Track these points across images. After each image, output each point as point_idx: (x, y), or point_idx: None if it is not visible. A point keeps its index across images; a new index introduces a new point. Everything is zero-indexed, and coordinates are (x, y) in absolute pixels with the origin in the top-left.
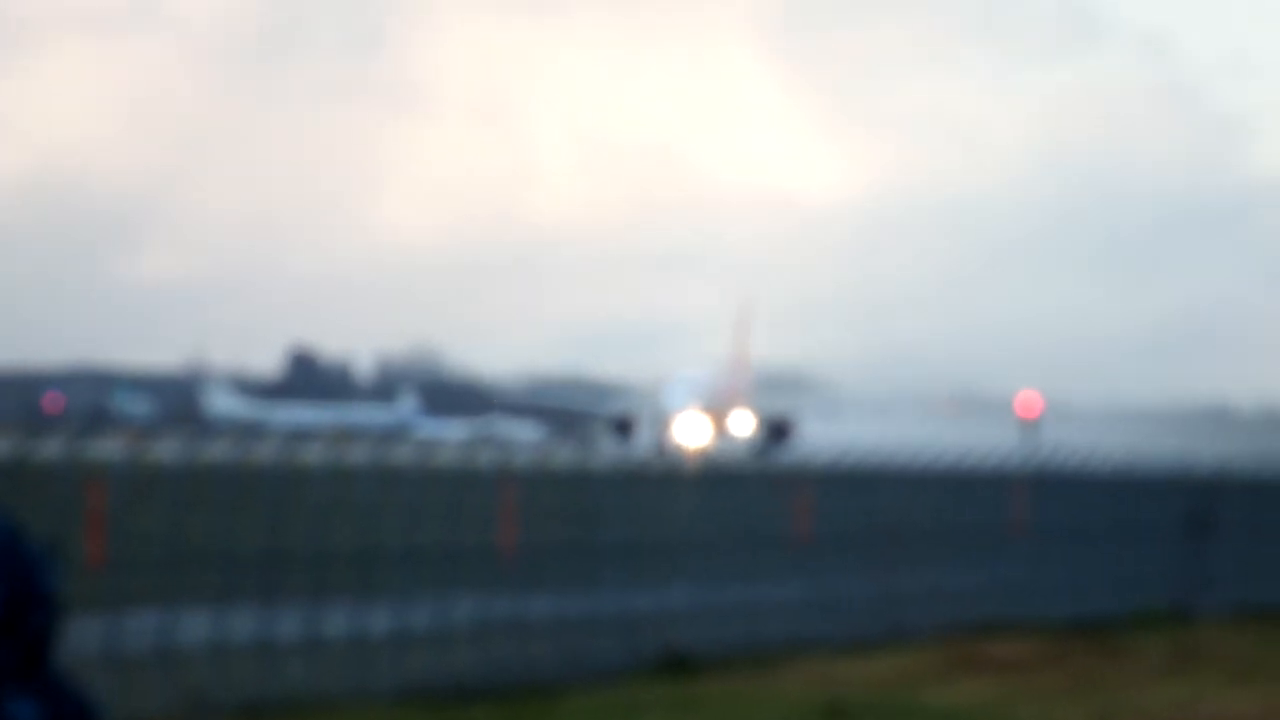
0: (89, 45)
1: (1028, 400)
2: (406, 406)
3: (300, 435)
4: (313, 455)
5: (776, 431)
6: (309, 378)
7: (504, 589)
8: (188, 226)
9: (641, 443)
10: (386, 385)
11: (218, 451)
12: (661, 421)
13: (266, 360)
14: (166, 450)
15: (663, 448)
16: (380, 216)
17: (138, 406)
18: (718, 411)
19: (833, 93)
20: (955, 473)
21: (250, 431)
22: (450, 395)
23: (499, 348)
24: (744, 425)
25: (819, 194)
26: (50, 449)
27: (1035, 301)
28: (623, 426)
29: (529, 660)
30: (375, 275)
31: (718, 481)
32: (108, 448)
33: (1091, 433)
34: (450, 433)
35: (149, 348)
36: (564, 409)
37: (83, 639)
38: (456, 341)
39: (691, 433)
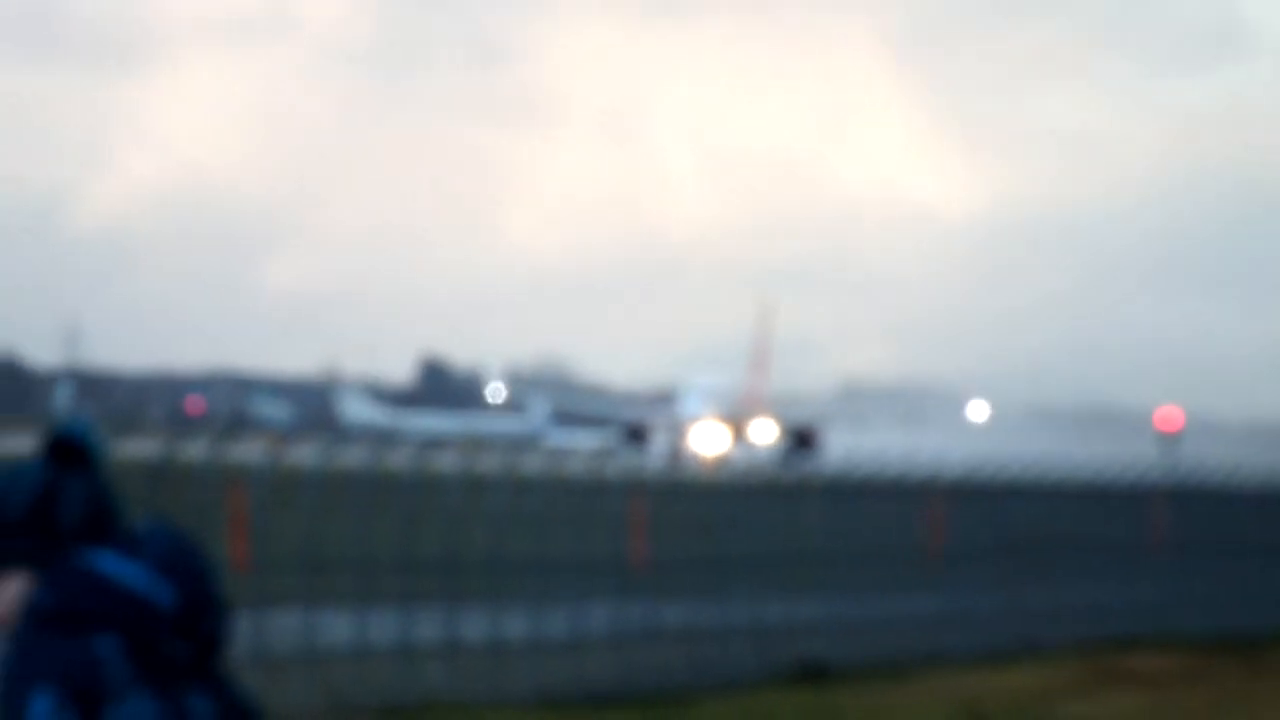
0: (226, 57)
1: (1168, 414)
2: (537, 415)
3: (433, 443)
4: (446, 463)
5: (801, 440)
6: (440, 386)
7: (636, 598)
8: (324, 236)
9: (655, 450)
10: (516, 395)
11: (354, 458)
12: (677, 429)
13: (399, 368)
14: (305, 455)
15: (678, 455)
16: (510, 227)
17: (276, 411)
18: (737, 419)
19: (961, 104)
20: (1092, 486)
21: (384, 438)
22: (579, 405)
23: (627, 359)
24: (765, 433)
25: (947, 206)
26: (193, 452)
27: (1169, 317)
28: (636, 434)
29: (662, 667)
30: (505, 285)
31: (847, 493)
32: (248, 451)
33: (1232, 448)
34: (579, 442)
35: (286, 354)
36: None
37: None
38: (585, 352)
39: (708, 441)
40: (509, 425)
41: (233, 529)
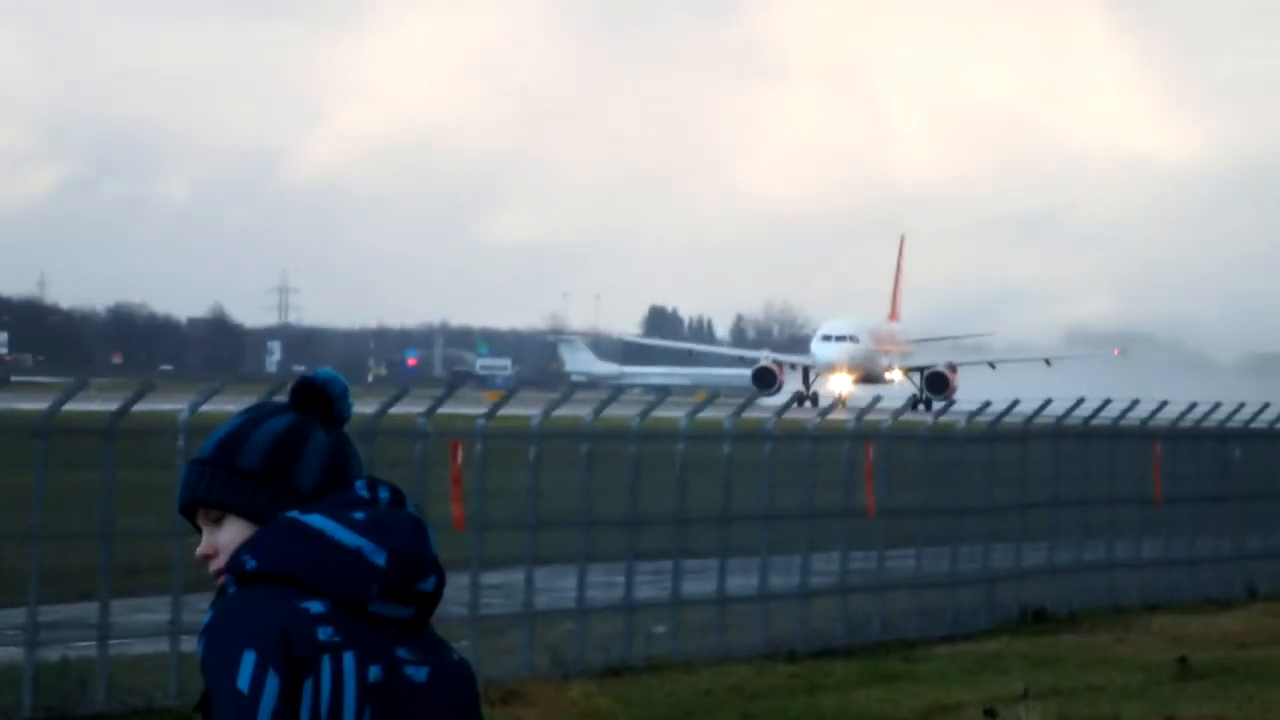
0: (447, 10)
1: None
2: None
3: (660, 395)
4: (673, 415)
5: (934, 383)
6: (669, 337)
7: (865, 547)
8: (546, 189)
9: (785, 394)
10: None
11: (578, 412)
12: (804, 373)
13: (626, 320)
14: (528, 410)
15: (807, 398)
16: (735, 179)
17: (498, 366)
18: (867, 362)
19: (1184, 56)
20: None
21: (609, 391)
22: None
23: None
24: (894, 376)
25: (1172, 157)
26: (413, 409)
27: None
28: (763, 378)
29: (889, 616)
30: (732, 236)
31: (1068, 437)
32: (468, 408)
33: None
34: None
35: (509, 308)
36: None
37: (447, 599)
38: (812, 301)
39: (838, 383)
40: (737, 377)
41: (452, 487)
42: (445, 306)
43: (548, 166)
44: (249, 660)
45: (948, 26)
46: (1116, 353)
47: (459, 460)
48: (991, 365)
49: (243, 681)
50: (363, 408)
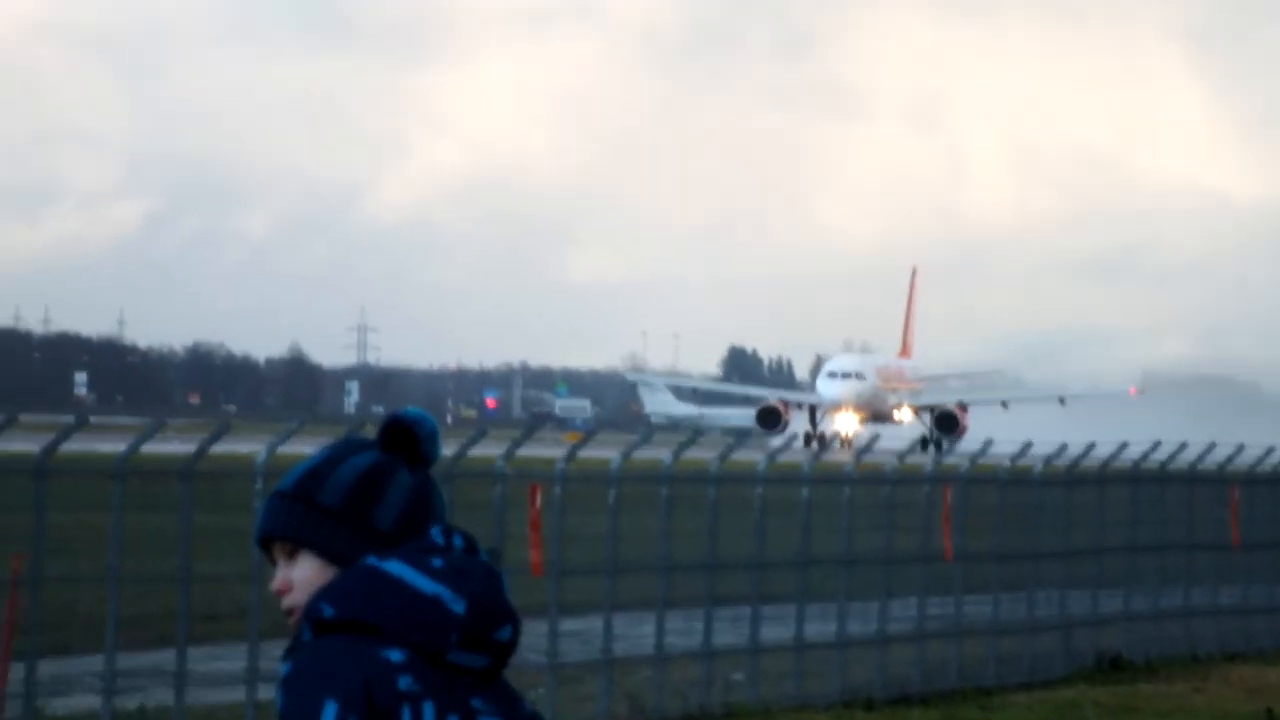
0: (526, 46)
1: None
2: None
3: (740, 436)
4: (753, 458)
5: (944, 423)
6: (748, 377)
7: (942, 592)
8: (626, 227)
9: (790, 433)
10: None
11: (658, 454)
12: (811, 412)
13: (705, 361)
14: (606, 452)
15: (815, 439)
16: (815, 216)
17: (578, 407)
18: (874, 401)
19: (1264, 93)
20: None
21: (689, 432)
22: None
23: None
24: (903, 415)
25: (1251, 195)
26: (492, 451)
27: None
28: (768, 417)
29: (966, 663)
30: (812, 274)
31: (1146, 481)
32: (547, 450)
33: None
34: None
35: (589, 348)
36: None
37: (525, 647)
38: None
39: (844, 423)
40: None
41: (530, 532)
42: (525, 347)
43: (628, 205)
44: (330, 710)
45: (1027, 63)
46: (1134, 392)
47: (538, 504)
48: (1004, 404)
49: None
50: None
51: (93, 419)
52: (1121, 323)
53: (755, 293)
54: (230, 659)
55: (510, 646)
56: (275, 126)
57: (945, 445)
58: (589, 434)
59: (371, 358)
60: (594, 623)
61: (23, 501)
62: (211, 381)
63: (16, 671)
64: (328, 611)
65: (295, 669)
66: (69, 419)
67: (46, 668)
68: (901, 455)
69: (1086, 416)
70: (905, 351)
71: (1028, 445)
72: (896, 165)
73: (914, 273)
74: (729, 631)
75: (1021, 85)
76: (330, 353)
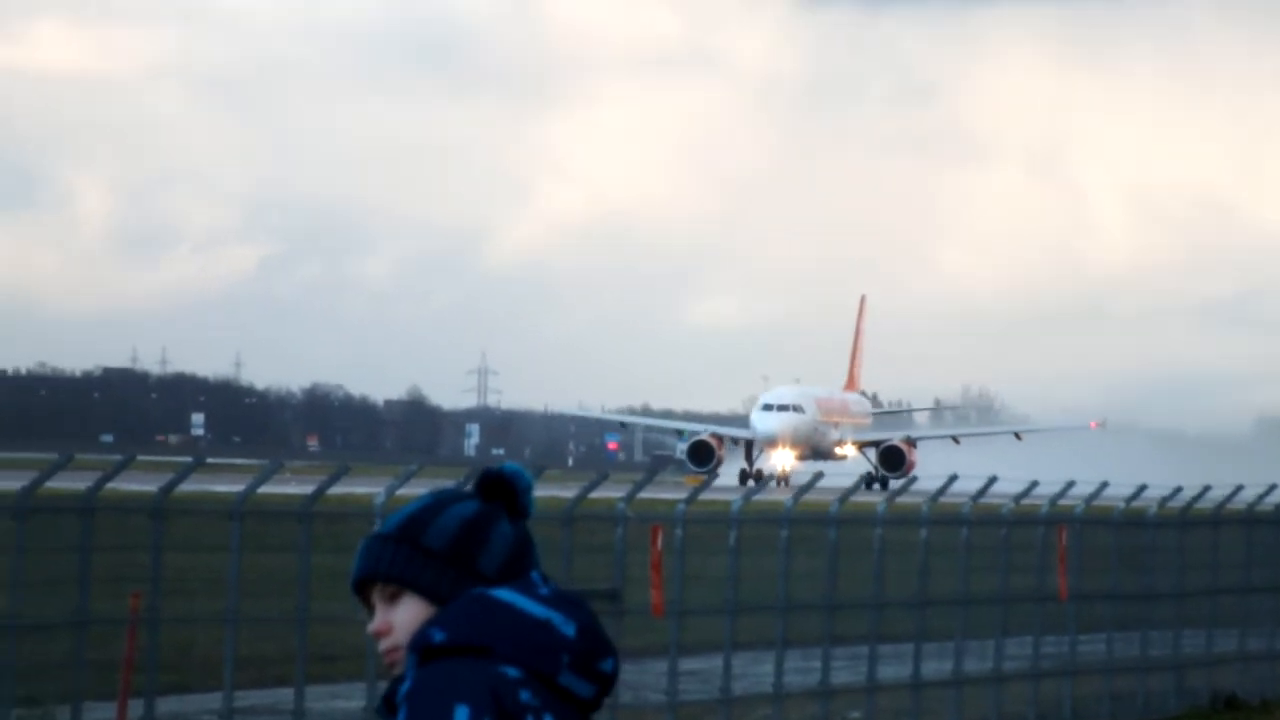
0: (647, 91)
1: None
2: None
3: (858, 481)
4: (871, 500)
5: (889, 459)
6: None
7: (1057, 631)
8: (747, 272)
9: (725, 471)
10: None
11: (776, 496)
12: (747, 448)
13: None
14: (727, 496)
15: (752, 476)
16: (935, 262)
17: None
18: (813, 436)
19: None
20: None
21: (810, 477)
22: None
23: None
24: (844, 450)
25: None
26: (613, 493)
27: None
28: (699, 452)
29: (1080, 701)
30: (931, 319)
31: (1262, 523)
32: (667, 492)
33: None
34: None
35: (709, 392)
36: None
37: (645, 686)
38: (1009, 387)
39: (781, 459)
40: None
41: (651, 573)
42: (646, 390)
43: (748, 249)
44: (462, 714)
45: (1145, 109)
46: (1094, 425)
47: (659, 545)
48: (955, 439)
49: None
50: (563, 491)
51: (210, 459)
52: (1235, 368)
53: (875, 338)
54: (348, 697)
55: (613, 679)
56: (396, 171)
57: (891, 484)
58: (710, 478)
59: (492, 400)
60: (713, 662)
61: (141, 541)
62: (329, 424)
63: (135, 710)
64: (437, 637)
65: (419, 683)
66: (187, 459)
67: (165, 705)
68: (845, 495)
69: (1047, 452)
70: (851, 384)
71: (1033, 484)
72: (1016, 211)
73: (862, 301)
74: (846, 670)
75: (1140, 129)
76: (450, 395)
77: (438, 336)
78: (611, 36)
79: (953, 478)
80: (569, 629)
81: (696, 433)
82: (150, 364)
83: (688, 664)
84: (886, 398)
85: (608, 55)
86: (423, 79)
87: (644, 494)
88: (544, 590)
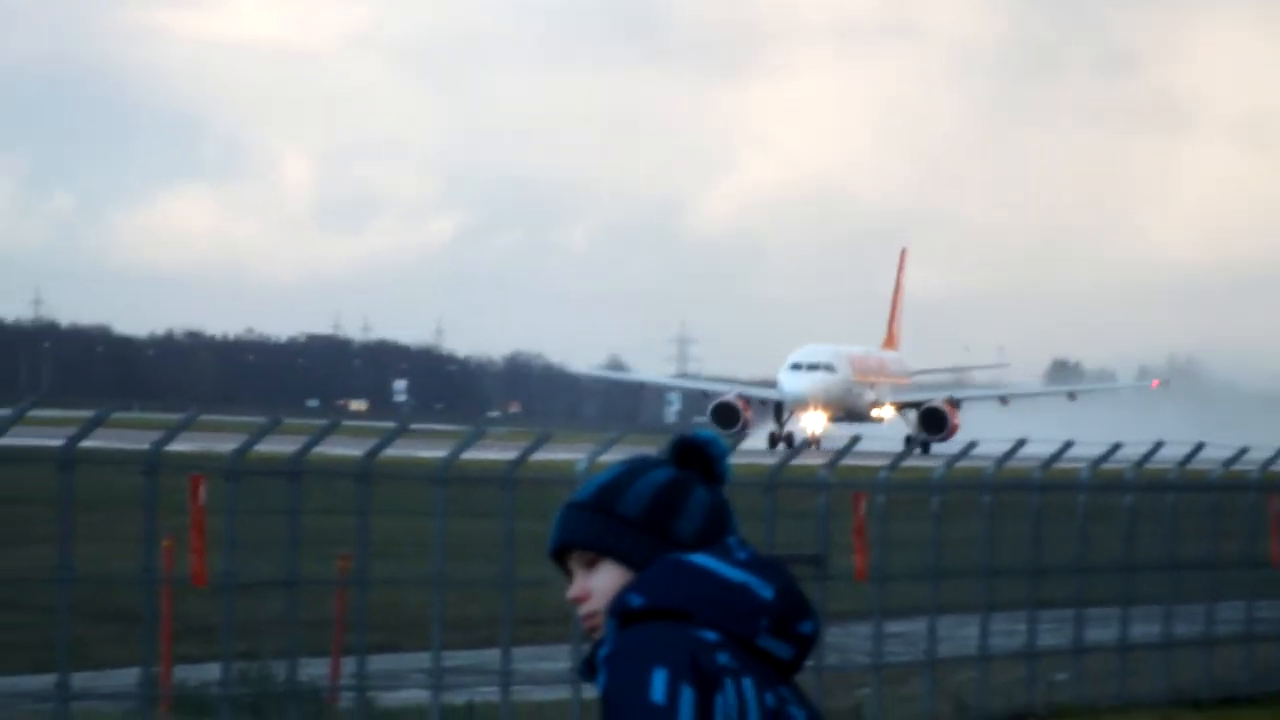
0: (843, 61)
1: None
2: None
3: (1063, 445)
4: (1076, 465)
5: (930, 421)
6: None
7: (1271, 596)
8: (949, 241)
9: (752, 433)
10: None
11: (979, 462)
12: (777, 410)
13: (1027, 373)
14: (929, 462)
15: (783, 439)
16: (1141, 230)
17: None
18: (846, 396)
19: None
20: None
21: (1012, 443)
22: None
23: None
24: (881, 411)
25: None
26: (815, 460)
27: None
28: (724, 415)
29: None
30: (1137, 288)
31: None
32: (872, 460)
33: None
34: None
35: (912, 360)
36: None
37: (850, 649)
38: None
39: (812, 422)
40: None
41: (854, 538)
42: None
43: (950, 219)
44: (661, 676)
45: None
46: (1155, 385)
47: (862, 511)
48: (1003, 400)
49: (657, 694)
50: (767, 460)
51: (414, 426)
52: None
53: (1081, 306)
54: (555, 659)
55: (812, 641)
56: (595, 141)
57: (932, 442)
58: (910, 444)
59: (692, 368)
60: (918, 625)
61: (348, 504)
62: (529, 391)
63: (348, 665)
64: (636, 601)
65: (618, 647)
66: (390, 424)
67: (376, 663)
68: (895, 461)
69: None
70: (890, 342)
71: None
72: (1222, 177)
73: (902, 255)
74: (1052, 634)
75: None
76: (651, 364)
77: (638, 305)
78: (810, 5)
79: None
80: (767, 592)
81: (721, 394)
82: (353, 331)
83: (892, 627)
84: (1090, 365)
85: (807, 24)
86: (622, 48)
87: (846, 461)
88: (741, 554)
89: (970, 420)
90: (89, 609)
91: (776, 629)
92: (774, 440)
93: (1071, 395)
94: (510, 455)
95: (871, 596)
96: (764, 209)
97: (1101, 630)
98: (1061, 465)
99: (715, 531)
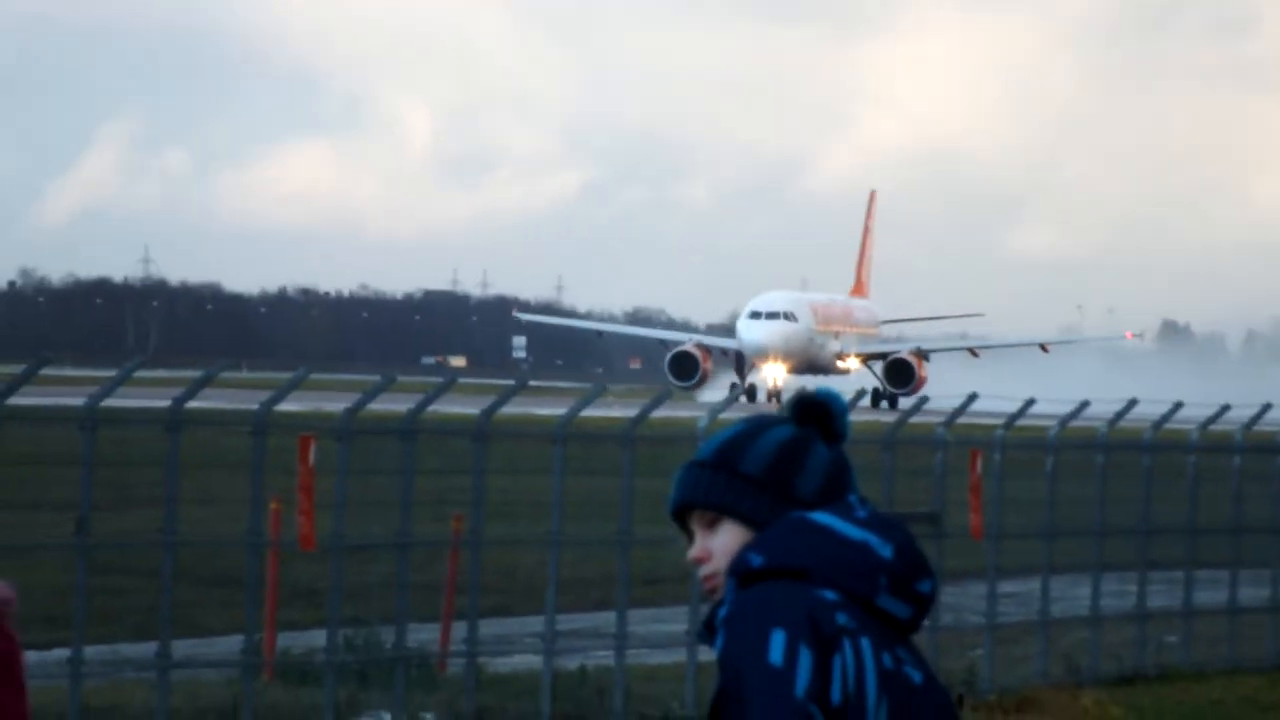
0: (966, 22)
1: None
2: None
3: (1173, 407)
4: (1184, 428)
5: (896, 373)
6: (1179, 349)
7: None
8: (1064, 202)
9: (710, 385)
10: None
11: (1093, 422)
12: (738, 361)
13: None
14: (1043, 422)
15: (744, 391)
16: (1255, 192)
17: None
18: (808, 347)
19: None
20: None
21: (1124, 404)
22: None
23: None
24: (846, 363)
25: None
26: (931, 419)
27: None
28: (681, 365)
29: None
30: (1249, 250)
31: None
32: (987, 419)
33: None
34: None
35: (1026, 320)
36: None
37: (963, 608)
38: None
39: (772, 373)
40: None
41: (970, 496)
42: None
43: (1065, 180)
44: (779, 638)
45: None
46: (1130, 336)
47: (978, 470)
48: (973, 352)
49: (775, 656)
50: (884, 417)
51: (533, 383)
52: None
53: (1193, 267)
54: (672, 621)
55: (930, 600)
56: (717, 98)
57: (899, 396)
58: (1026, 404)
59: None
60: (1031, 585)
61: (463, 464)
62: (651, 348)
63: (458, 630)
64: (756, 561)
65: (737, 608)
66: (509, 382)
67: (488, 627)
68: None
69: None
70: (859, 289)
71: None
72: None
73: (871, 197)
74: (1163, 595)
75: None
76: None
77: (758, 262)
78: None
79: (1085, 402)
80: (886, 551)
81: (679, 343)
82: (471, 286)
83: (1006, 586)
84: (1199, 327)
85: None
86: (745, 6)
87: (963, 420)
88: (861, 513)
89: (940, 373)
90: (194, 574)
91: (895, 588)
92: (736, 392)
93: (1044, 348)
94: (631, 413)
95: (986, 555)
96: (884, 167)
97: (1211, 593)
98: (1169, 426)
99: (836, 489)
